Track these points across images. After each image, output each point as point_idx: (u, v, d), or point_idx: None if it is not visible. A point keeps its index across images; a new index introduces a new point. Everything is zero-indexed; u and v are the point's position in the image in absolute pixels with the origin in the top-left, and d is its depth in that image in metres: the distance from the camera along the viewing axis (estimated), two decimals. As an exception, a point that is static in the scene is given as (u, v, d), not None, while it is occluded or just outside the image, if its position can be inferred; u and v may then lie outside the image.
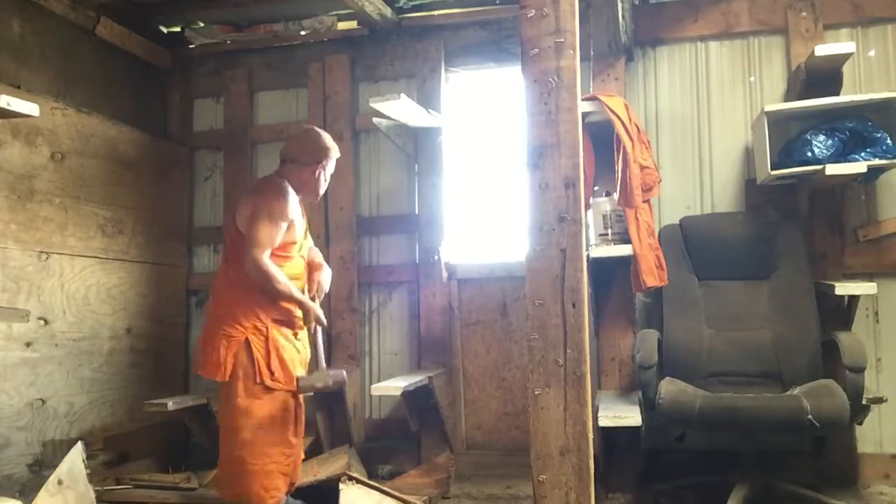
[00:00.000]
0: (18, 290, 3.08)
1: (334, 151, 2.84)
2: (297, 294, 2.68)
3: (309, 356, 2.81)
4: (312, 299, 2.78)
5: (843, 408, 2.56)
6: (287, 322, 2.70)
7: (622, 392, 3.32)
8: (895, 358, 3.25)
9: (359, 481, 3.04)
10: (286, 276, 2.65)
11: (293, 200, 2.69)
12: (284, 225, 2.64)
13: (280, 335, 2.67)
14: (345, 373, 2.80)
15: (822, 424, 2.53)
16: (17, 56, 3.23)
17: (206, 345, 2.66)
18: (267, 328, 2.64)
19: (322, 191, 2.86)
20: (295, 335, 2.75)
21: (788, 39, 3.41)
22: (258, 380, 2.59)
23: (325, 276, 2.87)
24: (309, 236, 2.90)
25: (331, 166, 2.85)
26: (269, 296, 2.63)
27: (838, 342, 2.78)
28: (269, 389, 2.61)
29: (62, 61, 3.48)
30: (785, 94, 3.43)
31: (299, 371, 2.71)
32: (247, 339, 2.60)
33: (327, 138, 2.86)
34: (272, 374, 2.62)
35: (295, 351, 2.72)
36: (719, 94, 3.53)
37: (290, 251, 2.72)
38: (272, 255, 2.62)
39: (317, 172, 2.79)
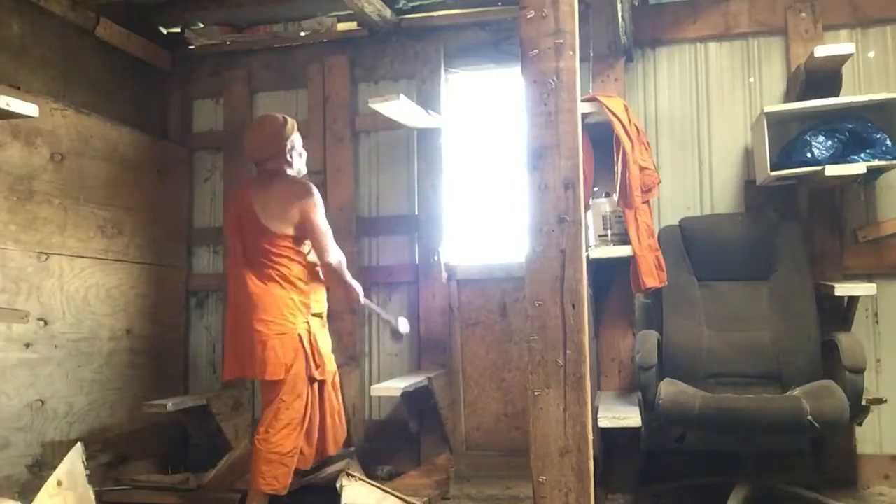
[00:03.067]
0: (18, 291, 3.08)
1: (287, 126, 2.98)
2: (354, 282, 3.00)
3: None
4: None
5: (842, 409, 2.56)
6: (320, 314, 2.96)
7: (622, 393, 3.31)
8: (895, 359, 3.25)
9: (360, 479, 3.04)
10: (316, 265, 2.94)
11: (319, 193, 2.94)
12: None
13: (317, 329, 2.90)
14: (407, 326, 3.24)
15: (822, 425, 2.53)
16: (17, 57, 3.23)
17: (258, 348, 2.77)
18: (309, 323, 2.86)
19: (304, 162, 3.09)
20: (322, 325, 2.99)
21: (788, 40, 3.42)
22: (309, 373, 2.82)
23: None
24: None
25: (297, 139, 3.02)
26: (339, 289, 2.98)
27: (838, 343, 2.78)
28: (312, 381, 2.85)
29: (62, 62, 3.48)
30: (784, 94, 3.43)
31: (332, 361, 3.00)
32: (299, 335, 2.81)
33: (269, 120, 3.01)
34: (318, 366, 2.86)
35: (327, 340, 2.98)
36: (719, 94, 3.53)
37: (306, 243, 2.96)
38: (303, 248, 2.90)
39: (290, 154, 2.98)
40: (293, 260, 2.87)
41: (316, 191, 2.91)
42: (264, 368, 2.76)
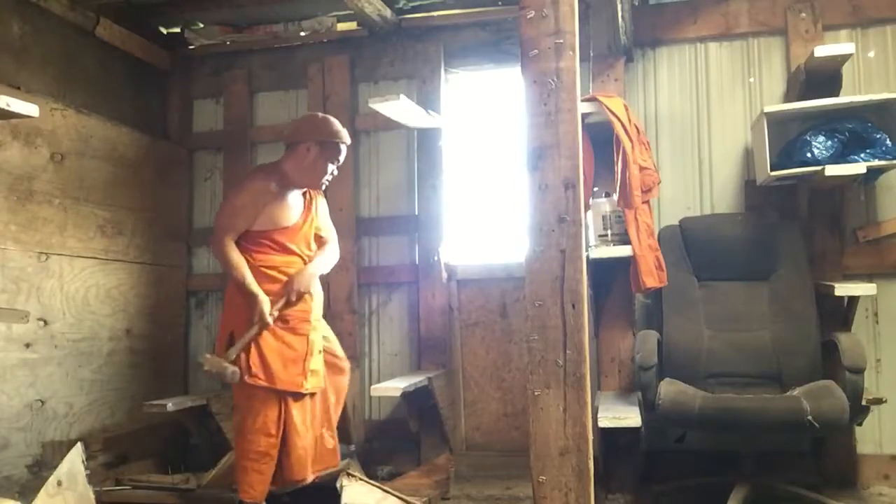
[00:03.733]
0: (18, 291, 3.08)
1: (334, 133, 2.79)
2: (250, 284, 2.65)
3: (314, 352, 2.79)
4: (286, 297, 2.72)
5: (842, 409, 2.56)
6: (279, 317, 2.70)
7: (622, 393, 3.31)
8: (895, 359, 3.25)
9: (360, 479, 3.04)
10: (266, 265, 2.69)
11: (263, 186, 2.69)
12: (247, 211, 2.67)
13: (268, 331, 2.68)
14: (237, 374, 2.68)
15: (822, 425, 2.53)
16: (17, 57, 3.23)
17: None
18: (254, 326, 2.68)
19: (322, 178, 2.81)
20: (294, 330, 2.73)
21: (788, 40, 3.42)
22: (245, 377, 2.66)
23: (302, 275, 2.76)
24: (325, 231, 2.92)
25: (331, 150, 2.78)
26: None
27: (838, 343, 2.78)
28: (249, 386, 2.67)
29: (62, 62, 3.48)
30: (784, 94, 3.43)
31: (290, 369, 2.71)
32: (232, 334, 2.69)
33: (326, 120, 2.83)
34: (250, 370, 2.66)
35: (285, 347, 2.71)
36: (719, 94, 3.53)
37: (273, 241, 2.72)
38: (249, 244, 2.69)
39: (311, 154, 2.75)
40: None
41: (252, 179, 2.74)
42: None
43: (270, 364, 2.67)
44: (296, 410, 2.73)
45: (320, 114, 2.92)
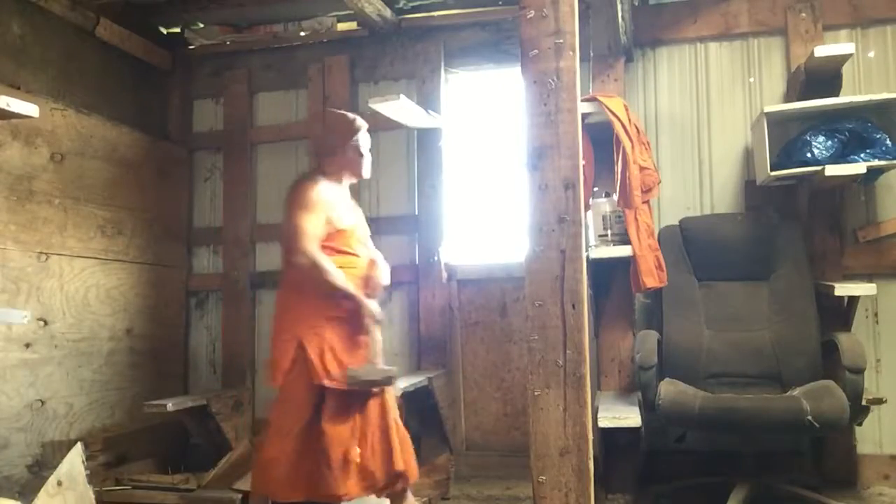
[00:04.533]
0: (18, 291, 3.08)
1: (357, 125, 2.78)
2: (350, 288, 2.61)
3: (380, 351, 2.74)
4: (368, 296, 2.70)
5: (842, 409, 2.56)
6: (348, 319, 2.65)
7: (622, 393, 3.31)
8: (895, 359, 3.25)
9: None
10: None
11: (319, 191, 2.66)
12: (322, 215, 2.62)
13: (336, 334, 2.62)
14: (395, 369, 2.73)
15: (822, 425, 2.53)
16: (17, 57, 3.23)
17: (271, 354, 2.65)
18: (319, 328, 2.60)
19: (366, 165, 2.82)
20: (361, 332, 2.68)
21: (788, 40, 3.42)
22: (316, 380, 2.55)
23: (381, 270, 2.78)
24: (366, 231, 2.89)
25: (363, 139, 2.79)
26: (322, 290, 2.60)
27: (838, 343, 2.78)
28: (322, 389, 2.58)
29: (62, 62, 3.48)
30: (784, 95, 3.43)
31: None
32: (299, 340, 2.57)
33: (344, 117, 2.82)
34: (329, 373, 2.56)
35: (360, 348, 2.67)
36: (719, 95, 3.53)
37: (335, 244, 2.67)
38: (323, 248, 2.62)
39: (347, 154, 2.76)
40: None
41: (308, 188, 2.67)
42: (269, 374, 2.66)
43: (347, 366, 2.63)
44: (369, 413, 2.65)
45: (332, 113, 2.89)
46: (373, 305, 2.67)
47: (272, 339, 2.69)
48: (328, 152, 2.76)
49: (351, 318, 2.65)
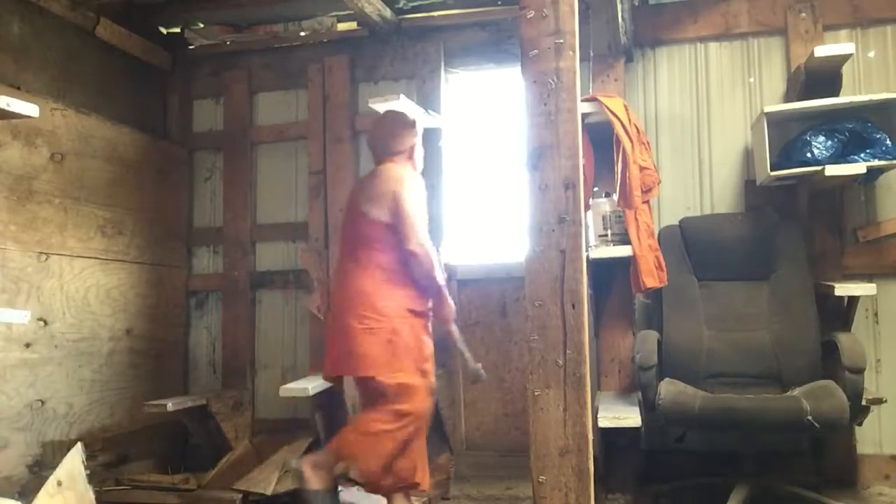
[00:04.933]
0: (18, 291, 3.08)
1: (413, 123, 2.90)
2: (442, 284, 2.68)
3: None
4: None
5: (842, 409, 2.56)
6: (422, 313, 2.68)
7: (622, 393, 3.31)
8: (895, 359, 3.25)
9: (357, 483, 3.04)
10: None
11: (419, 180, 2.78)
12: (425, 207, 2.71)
13: (423, 327, 2.68)
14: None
15: (822, 425, 2.53)
16: (17, 57, 3.23)
17: (351, 343, 2.57)
18: (409, 318, 2.64)
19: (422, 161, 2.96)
20: (428, 332, 2.71)
21: (788, 40, 3.42)
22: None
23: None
24: None
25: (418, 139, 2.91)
26: (422, 285, 2.64)
27: (838, 343, 2.78)
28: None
29: (62, 62, 3.48)
30: (784, 94, 3.43)
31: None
32: (394, 328, 2.58)
33: (406, 116, 2.92)
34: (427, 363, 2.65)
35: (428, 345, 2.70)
36: (719, 95, 3.53)
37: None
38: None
39: (417, 149, 2.89)
40: (391, 249, 2.63)
41: (417, 178, 2.75)
42: (355, 364, 2.58)
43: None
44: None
45: (395, 113, 2.96)
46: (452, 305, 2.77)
47: (339, 323, 2.62)
48: (397, 150, 2.82)
49: (428, 315, 2.71)
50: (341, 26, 4.02)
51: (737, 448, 2.89)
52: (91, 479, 2.64)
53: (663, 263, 3.07)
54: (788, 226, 3.18)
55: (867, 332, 3.25)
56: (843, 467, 3.17)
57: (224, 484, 3.19)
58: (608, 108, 3.10)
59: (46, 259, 3.23)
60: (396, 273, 2.63)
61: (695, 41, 3.56)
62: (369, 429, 2.56)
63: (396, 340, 2.57)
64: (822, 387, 2.73)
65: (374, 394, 2.59)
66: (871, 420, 3.05)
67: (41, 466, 3.10)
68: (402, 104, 3.37)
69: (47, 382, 3.21)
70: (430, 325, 2.73)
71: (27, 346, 3.12)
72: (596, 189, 3.33)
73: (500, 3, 3.76)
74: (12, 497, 2.78)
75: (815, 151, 3.02)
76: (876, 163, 2.94)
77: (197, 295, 4.15)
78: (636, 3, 3.50)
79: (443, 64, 3.84)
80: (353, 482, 2.98)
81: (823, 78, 3.19)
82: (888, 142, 2.97)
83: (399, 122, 2.88)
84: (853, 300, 3.08)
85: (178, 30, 4.16)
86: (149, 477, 3.42)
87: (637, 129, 3.16)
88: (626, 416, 2.80)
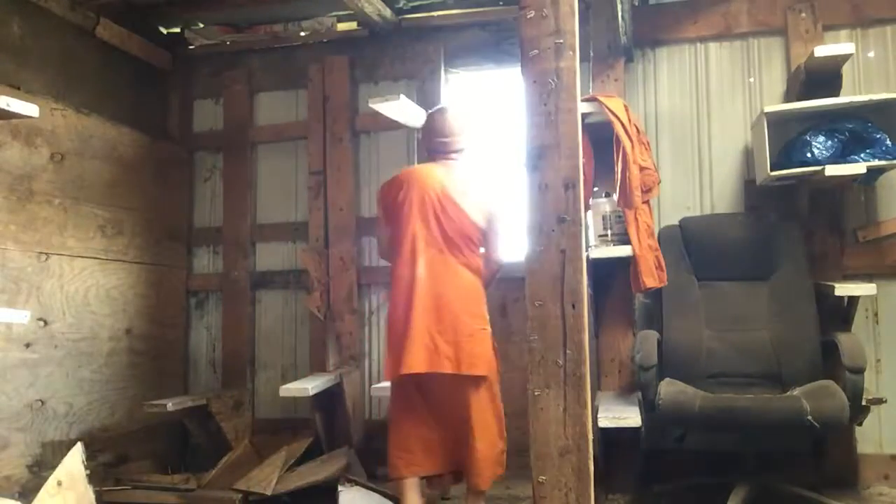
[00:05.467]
0: (18, 291, 3.08)
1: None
2: None
3: None
4: None
5: (842, 409, 2.56)
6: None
7: (622, 393, 3.31)
8: (895, 359, 3.25)
9: (358, 483, 3.04)
10: None
11: None
12: None
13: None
14: None
15: (822, 425, 2.52)
16: (17, 57, 3.23)
17: (467, 341, 2.60)
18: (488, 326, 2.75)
19: None
20: None
21: (788, 40, 3.41)
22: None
23: None
24: None
25: None
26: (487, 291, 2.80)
27: (838, 343, 2.78)
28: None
29: (62, 62, 3.48)
30: (784, 94, 3.43)
31: None
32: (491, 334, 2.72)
33: (462, 109, 2.93)
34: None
35: None
36: (719, 94, 3.53)
37: None
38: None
39: (473, 148, 2.92)
40: (477, 253, 2.75)
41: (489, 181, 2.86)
42: (473, 362, 2.60)
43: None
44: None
45: (452, 112, 2.89)
46: None
47: (467, 323, 2.62)
48: (462, 148, 2.85)
49: None
50: (341, 26, 4.02)
51: (737, 448, 2.89)
52: (91, 479, 2.64)
53: (663, 263, 3.07)
54: (788, 226, 3.18)
55: (867, 332, 3.25)
56: (843, 467, 3.17)
57: (224, 484, 3.19)
58: (608, 108, 3.10)
59: (46, 259, 3.23)
60: (480, 277, 2.76)
61: (695, 41, 3.56)
62: (496, 446, 2.69)
63: (494, 348, 2.73)
64: (822, 387, 2.73)
65: (459, 396, 2.63)
66: (871, 420, 3.05)
67: (41, 466, 3.10)
68: (403, 104, 3.36)
69: (47, 382, 3.21)
70: None
71: (27, 346, 3.12)
72: (596, 189, 3.33)
73: (500, 3, 3.76)
74: (12, 497, 2.78)
75: (815, 151, 3.02)
76: (876, 163, 2.94)
77: (197, 295, 4.15)
78: (636, 3, 3.50)
79: (443, 64, 3.84)
80: (353, 480, 2.98)
81: (823, 78, 3.19)
82: (888, 142, 2.97)
83: (464, 113, 2.87)
84: (853, 300, 3.08)
85: (178, 30, 4.16)
86: (149, 477, 3.42)
87: (637, 129, 3.16)
88: (626, 416, 2.80)
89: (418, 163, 2.83)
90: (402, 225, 2.68)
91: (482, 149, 2.92)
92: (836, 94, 3.16)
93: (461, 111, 2.90)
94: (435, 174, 2.74)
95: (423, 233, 2.66)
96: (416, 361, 2.54)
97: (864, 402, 2.74)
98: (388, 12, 3.71)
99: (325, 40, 4.01)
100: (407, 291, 2.61)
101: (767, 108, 3.13)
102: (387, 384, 3.28)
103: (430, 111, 2.98)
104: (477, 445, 2.60)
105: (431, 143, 2.84)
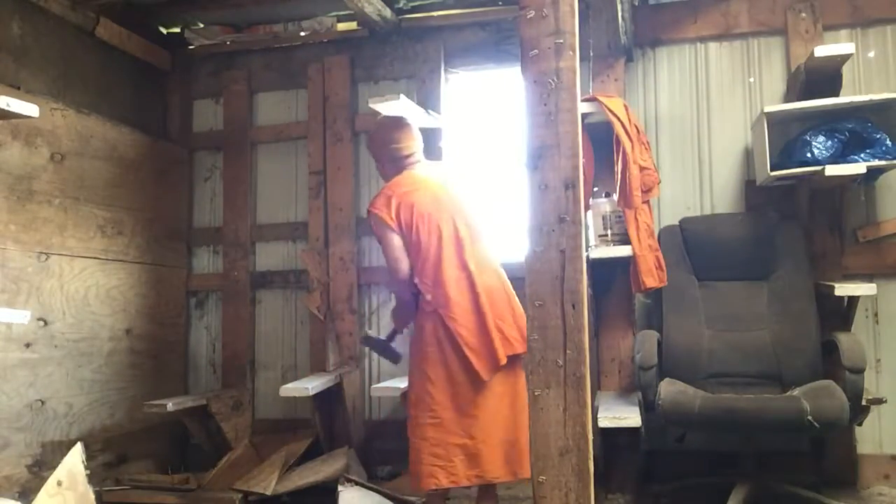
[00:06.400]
0: (18, 291, 3.08)
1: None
2: None
3: None
4: None
5: (842, 409, 2.56)
6: None
7: (622, 393, 3.31)
8: (895, 359, 3.25)
9: (357, 483, 3.04)
10: None
11: None
12: None
13: None
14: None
15: (822, 425, 2.53)
16: (17, 57, 3.23)
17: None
18: None
19: None
20: None
21: (788, 40, 3.42)
22: None
23: None
24: None
25: None
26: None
27: (838, 343, 2.78)
28: None
29: (62, 62, 3.48)
30: (784, 94, 3.43)
31: None
32: None
33: (402, 118, 2.93)
34: None
35: None
36: (719, 94, 3.53)
37: None
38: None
39: None
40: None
41: None
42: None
43: None
44: None
45: (394, 122, 2.88)
46: None
47: (508, 305, 2.63)
48: (417, 151, 2.84)
49: None
50: (341, 26, 4.02)
51: (737, 448, 2.89)
52: (91, 479, 2.64)
53: (663, 263, 3.08)
54: (788, 226, 3.18)
55: (867, 332, 3.25)
56: (843, 467, 3.17)
57: (224, 484, 3.19)
58: (608, 108, 3.10)
59: (46, 259, 3.23)
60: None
61: (695, 41, 3.56)
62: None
63: None
64: (822, 387, 2.73)
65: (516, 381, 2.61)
66: (871, 420, 3.05)
67: (41, 466, 3.10)
68: (402, 104, 3.36)
69: (47, 382, 3.21)
70: None
71: (27, 345, 3.12)
72: (596, 189, 3.33)
73: (500, 3, 3.76)
74: (12, 497, 2.78)
75: (815, 151, 3.02)
76: (876, 163, 2.94)
77: (197, 295, 4.15)
78: (636, 3, 3.49)
79: (443, 64, 3.84)
80: (353, 481, 2.98)
81: (823, 78, 3.19)
82: (888, 142, 2.97)
83: (409, 121, 2.88)
84: (853, 300, 3.08)
85: (177, 30, 4.16)
86: (149, 477, 3.42)
87: (637, 129, 3.16)
88: (626, 416, 2.80)
89: (390, 177, 2.79)
90: (431, 235, 2.65)
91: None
92: (836, 94, 3.16)
93: (407, 120, 2.89)
94: (431, 179, 2.75)
95: (453, 236, 2.66)
96: (501, 354, 2.56)
97: (864, 402, 2.75)
98: (388, 12, 3.71)
99: (324, 40, 4.01)
100: (468, 294, 2.60)
101: (767, 108, 3.13)
102: (387, 384, 3.30)
103: (384, 125, 2.87)
104: (524, 429, 2.52)
105: (407, 149, 2.78)
